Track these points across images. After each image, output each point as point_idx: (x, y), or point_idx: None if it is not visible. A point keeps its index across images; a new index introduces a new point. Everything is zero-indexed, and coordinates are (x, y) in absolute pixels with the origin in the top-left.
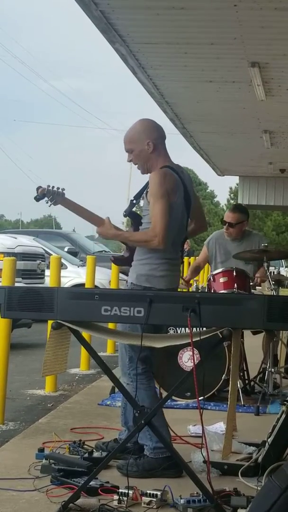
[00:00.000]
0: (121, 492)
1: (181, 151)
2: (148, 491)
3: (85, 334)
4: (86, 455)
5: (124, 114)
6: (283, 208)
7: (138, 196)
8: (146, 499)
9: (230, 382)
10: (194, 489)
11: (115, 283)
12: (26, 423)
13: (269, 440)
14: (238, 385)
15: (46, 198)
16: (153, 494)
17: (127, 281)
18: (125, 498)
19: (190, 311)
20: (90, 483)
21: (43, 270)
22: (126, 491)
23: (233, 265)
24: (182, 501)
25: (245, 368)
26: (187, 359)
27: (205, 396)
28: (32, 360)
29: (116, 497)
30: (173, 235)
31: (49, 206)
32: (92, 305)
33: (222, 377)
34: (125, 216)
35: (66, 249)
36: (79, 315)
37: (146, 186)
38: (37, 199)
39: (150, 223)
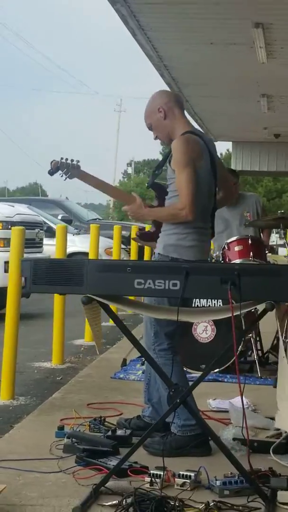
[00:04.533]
0: (153, 474)
1: None
2: (181, 472)
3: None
4: (109, 433)
5: None
6: (276, 174)
7: (160, 166)
8: (179, 480)
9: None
10: (226, 469)
11: (117, 253)
12: (36, 397)
13: None
14: (254, 357)
15: (60, 172)
16: (187, 475)
17: (154, 253)
18: (157, 480)
19: (230, 284)
20: (116, 463)
21: (42, 239)
22: (158, 473)
23: (235, 234)
24: (218, 482)
25: (258, 339)
26: (202, 331)
27: (221, 368)
28: (35, 331)
29: (147, 479)
30: (201, 204)
31: (64, 180)
32: (124, 278)
33: (239, 349)
34: (148, 188)
35: (59, 217)
36: (110, 288)
37: (168, 154)
38: (51, 173)
39: (175, 191)
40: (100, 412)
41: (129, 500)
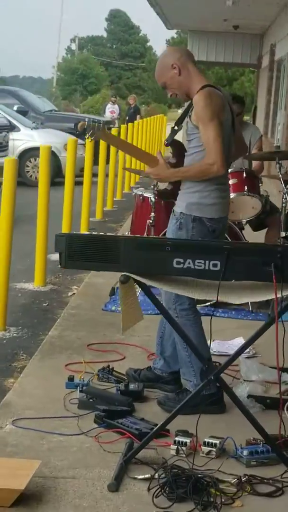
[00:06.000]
0: (179, 441)
1: None
2: (207, 440)
3: None
4: (122, 387)
5: None
6: (232, 65)
7: (179, 122)
8: (205, 448)
9: None
10: (242, 427)
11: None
12: (28, 328)
13: None
14: None
15: (87, 134)
16: (212, 443)
17: (174, 211)
18: (183, 448)
19: (274, 266)
20: (139, 426)
21: (8, 142)
22: (184, 440)
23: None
24: (245, 452)
25: None
26: None
27: (211, 303)
28: None
29: (173, 446)
30: (226, 158)
31: (90, 141)
32: (162, 257)
33: None
34: (167, 145)
35: (15, 108)
36: (147, 267)
37: (188, 110)
38: (77, 135)
39: (198, 146)
40: (102, 355)
41: (162, 474)
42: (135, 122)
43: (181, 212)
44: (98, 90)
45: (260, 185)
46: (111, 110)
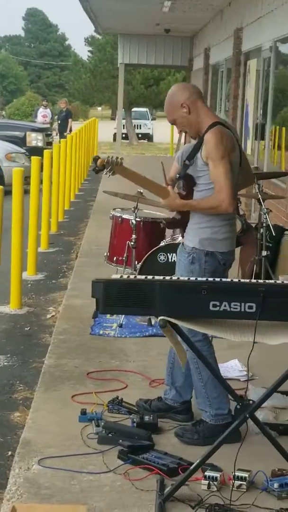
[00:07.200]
0: (209, 476)
1: None
2: (237, 474)
3: None
4: (137, 419)
5: None
6: (164, 67)
7: (191, 157)
8: (236, 482)
9: None
10: (263, 457)
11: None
12: (17, 356)
13: None
14: None
15: (105, 170)
16: (242, 477)
17: (184, 245)
18: (215, 483)
19: None
20: (165, 461)
21: None
22: (214, 475)
23: None
24: (275, 485)
25: None
26: None
27: None
28: None
29: (204, 481)
30: (234, 196)
31: (108, 177)
32: (198, 300)
33: None
34: (178, 179)
35: None
36: (183, 310)
37: (199, 146)
38: (97, 170)
39: (207, 184)
40: (104, 384)
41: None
42: (68, 136)
43: (193, 247)
44: (18, 90)
45: (239, 204)
46: (43, 115)
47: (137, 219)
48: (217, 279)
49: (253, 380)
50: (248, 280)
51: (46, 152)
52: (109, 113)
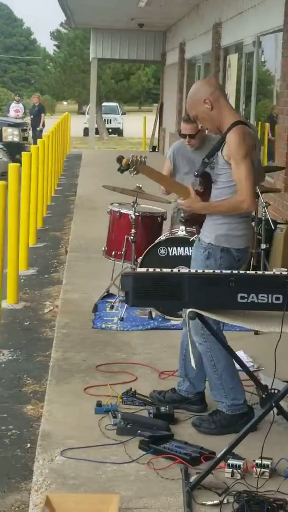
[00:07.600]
0: (233, 464)
1: None
2: (258, 461)
3: None
4: (154, 410)
5: None
6: (137, 62)
7: (210, 155)
8: (259, 470)
9: None
10: (278, 446)
11: None
12: (20, 350)
13: None
14: None
15: (130, 169)
16: (264, 464)
17: (200, 240)
18: (238, 471)
19: None
20: (187, 451)
21: None
22: (237, 463)
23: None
24: None
25: None
26: None
27: None
28: None
29: (227, 469)
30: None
31: (132, 176)
32: (226, 292)
33: None
34: (196, 176)
35: None
36: (212, 302)
37: (220, 145)
38: (122, 170)
39: (227, 182)
40: (113, 377)
41: (230, 499)
42: (44, 137)
43: (209, 243)
44: None
45: None
46: (15, 109)
47: (136, 213)
48: (243, 272)
49: (260, 370)
50: (274, 272)
51: (26, 154)
52: (76, 107)
